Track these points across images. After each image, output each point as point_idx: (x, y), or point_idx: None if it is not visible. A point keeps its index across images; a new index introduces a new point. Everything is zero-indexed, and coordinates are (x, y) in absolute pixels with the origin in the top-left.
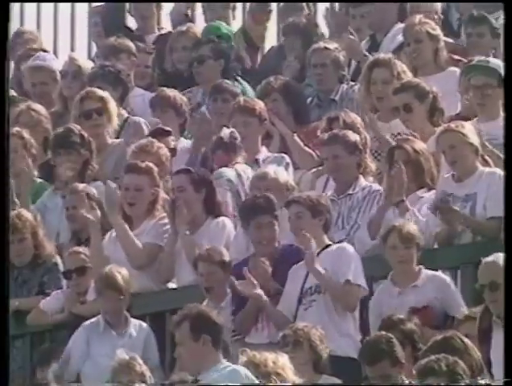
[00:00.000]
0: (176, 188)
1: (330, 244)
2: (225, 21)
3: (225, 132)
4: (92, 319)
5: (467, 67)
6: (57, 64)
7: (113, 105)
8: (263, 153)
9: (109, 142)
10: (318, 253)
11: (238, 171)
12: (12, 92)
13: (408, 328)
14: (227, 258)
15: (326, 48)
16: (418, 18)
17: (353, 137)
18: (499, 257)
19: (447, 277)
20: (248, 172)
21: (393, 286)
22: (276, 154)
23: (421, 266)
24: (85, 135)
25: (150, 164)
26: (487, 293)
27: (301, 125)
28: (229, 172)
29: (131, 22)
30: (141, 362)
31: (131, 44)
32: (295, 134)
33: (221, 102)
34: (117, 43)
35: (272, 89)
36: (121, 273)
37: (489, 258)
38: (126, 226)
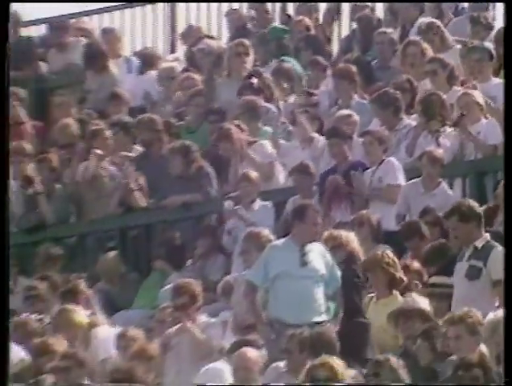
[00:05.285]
0: None
1: (384, 160)
2: None
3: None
4: None
5: (467, 48)
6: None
7: None
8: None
9: None
10: (378, 165)
11: None
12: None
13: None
14: (314, 170)
15: (385, 32)
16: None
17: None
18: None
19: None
20: None
21: (421, 187)
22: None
23: (440, 179)
24: None
25: None
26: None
27: (367, 85)
28: None
29: None
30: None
31: None
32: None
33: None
34: None
35: (347, 61)
36: None
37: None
38: None
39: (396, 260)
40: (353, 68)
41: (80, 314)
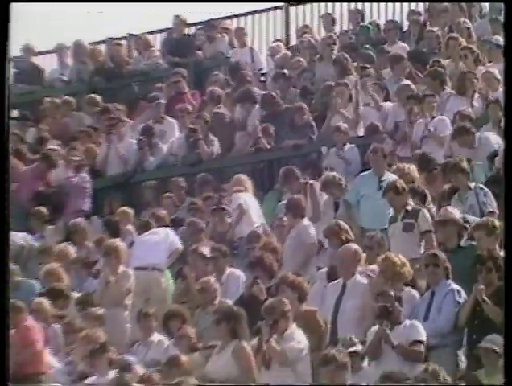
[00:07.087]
0: None
1: (435, 116)
2: None
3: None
4: None
5: (480, 42)
6: None
7: None
8: None
9: None
10: (432, 119)
11: None
12: None
13: None
14: (381, 128)
15: (432, 30)
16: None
17: None
18: None
19: None
20: None
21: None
22: None
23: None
24: None
25: None
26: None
27: (420, 65)
28: None
29: None
30: None
31: None
32: None
33: None
34: None
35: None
36: None
37: None
38: None
39: (348, 227)
40: (399, 55)
41: None
